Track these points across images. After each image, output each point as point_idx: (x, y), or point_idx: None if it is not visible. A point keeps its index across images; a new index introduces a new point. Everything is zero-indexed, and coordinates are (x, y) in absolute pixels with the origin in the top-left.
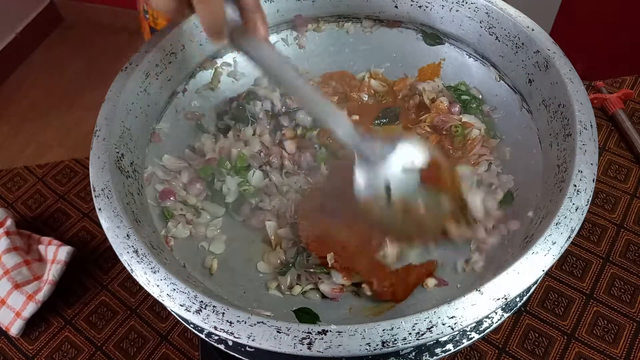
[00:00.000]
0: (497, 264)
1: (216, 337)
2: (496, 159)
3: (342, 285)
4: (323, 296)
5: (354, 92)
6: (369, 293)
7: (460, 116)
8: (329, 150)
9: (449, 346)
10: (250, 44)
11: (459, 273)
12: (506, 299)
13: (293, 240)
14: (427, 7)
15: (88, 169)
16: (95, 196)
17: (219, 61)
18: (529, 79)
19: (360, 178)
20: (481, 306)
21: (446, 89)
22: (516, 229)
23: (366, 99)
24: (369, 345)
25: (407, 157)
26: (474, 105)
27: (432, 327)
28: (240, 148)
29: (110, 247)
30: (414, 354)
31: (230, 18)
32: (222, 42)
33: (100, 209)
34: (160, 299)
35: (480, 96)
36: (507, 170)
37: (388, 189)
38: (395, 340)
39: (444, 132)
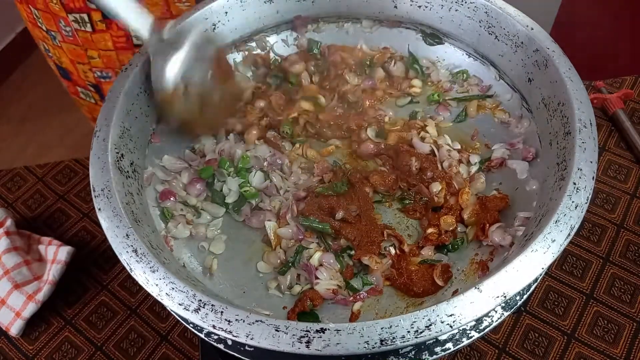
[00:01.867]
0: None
1: (215, 337)
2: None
3: (338, 285)
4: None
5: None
6: None
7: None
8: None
9: (449, 345)
10: None
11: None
12: (505, 296)
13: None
14: (426, 7)
15: (88, 169)
16: (95, 196)
17: None
18: (529, 78)
19: (156, 70)
20: (480, 304)
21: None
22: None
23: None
24: (367, 344)
25: (198, 48)
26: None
27: (430, 325)
28: (241, 149)
29: (110, 247)
30: (413, 352)
31: None
32: None
33: (100, 209)
34: (159, 298)
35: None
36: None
37: (185, 81)
38: (393, 338)
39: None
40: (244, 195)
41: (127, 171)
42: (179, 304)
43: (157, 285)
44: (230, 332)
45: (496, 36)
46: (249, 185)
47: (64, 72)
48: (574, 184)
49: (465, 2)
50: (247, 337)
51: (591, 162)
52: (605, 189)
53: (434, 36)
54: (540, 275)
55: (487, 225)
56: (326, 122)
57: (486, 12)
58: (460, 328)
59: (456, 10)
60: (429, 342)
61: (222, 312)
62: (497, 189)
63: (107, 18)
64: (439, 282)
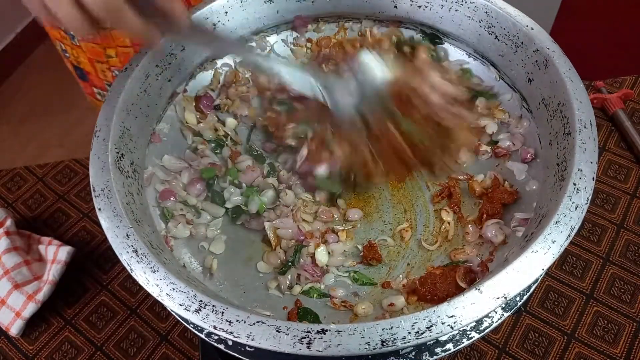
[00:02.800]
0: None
1: (216, 337)
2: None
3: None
4: (323, 295)
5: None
6: None
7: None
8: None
9: (449, 345)
10: (180, 32)
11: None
12: (505, 297)
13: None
14: (426, 6)
15: (88, 169)
16: (95, 196)
17: (219, 62)
18: (529, 78)
19: (336, 113)
20: (481, 305)
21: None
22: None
23: None
24: (368, 345)
25: (369, 73)
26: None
27: (431, 326)
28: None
29: (110, 247)
30: (414, 353)
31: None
32: (157, 44)
33: (100, 209)
34: (159, 299)
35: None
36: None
37: (362, 115)
38: (394, 339)
39: None
40: (243, 210)
41: (127, 171)
42: (180, 305)
43: (157, 285)
44: (231, 332)
45: (496, 36)
46: (257, 199)
47: (81, 72)
48: (574, 184)
49: (465, 2)
50: (248, 337)
51: (591, 162)
52: (605, 189)
53: (434, 36)
54: (541, 276)
55: (485, 215)
56: None
57: (486, 12)
58: (461, 329)
59: (456, 10)
60: (429, 342)
61: (222, 312)
62: (507, 180)
63: None
64: (462, 285)
